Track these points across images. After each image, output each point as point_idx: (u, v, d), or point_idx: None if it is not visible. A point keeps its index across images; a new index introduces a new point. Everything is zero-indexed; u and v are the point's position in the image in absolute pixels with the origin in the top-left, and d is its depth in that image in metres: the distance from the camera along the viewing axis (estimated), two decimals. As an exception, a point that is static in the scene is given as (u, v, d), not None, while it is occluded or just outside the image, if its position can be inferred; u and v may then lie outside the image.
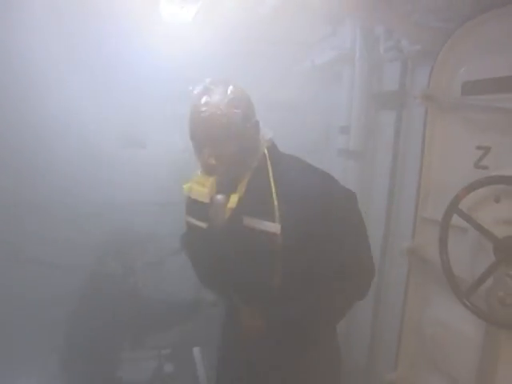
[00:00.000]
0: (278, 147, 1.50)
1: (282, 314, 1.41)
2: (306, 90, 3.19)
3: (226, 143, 1.32)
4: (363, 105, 2.70)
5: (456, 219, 1.61)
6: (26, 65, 2.34)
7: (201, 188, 1.35)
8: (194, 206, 1.39)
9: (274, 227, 1.33)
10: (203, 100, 1.31)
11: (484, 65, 1.69)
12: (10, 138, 2.42)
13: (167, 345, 3.49)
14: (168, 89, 3.08)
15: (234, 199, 1.40)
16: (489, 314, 1.50)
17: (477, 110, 1.71)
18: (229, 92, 1.32)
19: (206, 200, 1.35)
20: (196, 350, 3.53)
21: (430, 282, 1.97)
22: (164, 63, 2.95)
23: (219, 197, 1.39)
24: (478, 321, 1.61)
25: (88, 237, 2.80)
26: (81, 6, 2.23)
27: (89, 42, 2.51)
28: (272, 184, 1.38)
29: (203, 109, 1.30)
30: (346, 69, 2.81)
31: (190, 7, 2.65)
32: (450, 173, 1.87)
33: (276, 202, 1.35)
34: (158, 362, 3.38)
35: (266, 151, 1.44)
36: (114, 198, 2.98)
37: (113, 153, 3.09)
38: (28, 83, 2.37)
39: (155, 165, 3.19)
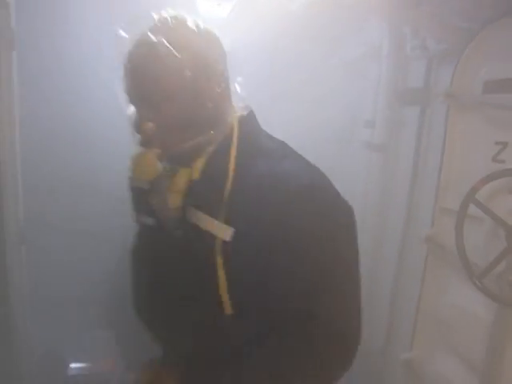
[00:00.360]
0: (257, 122, 1.11)
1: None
2: (333, 84, 3.32)
3: (167, 103, 0.97)
4: (388, 100, 2.81)
5: (472, 209, 1.74)
6: (77, 69, 2.56)
7: (138, 168, 1.00)
8: (135, 197, 1.03)
9: (222, 230, 0.95)
10: (142, 39, 0.98)
11: (505, 65, 1.80)
12: (60, 131, 2.64)
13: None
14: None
15: (180, 180, 1.02)
16: (500, 296, 1.64)
17: (496, 108, 1.83)
18: (181, 30, 0.98)
19: (145, 185, 0.99)
20: None
21: (446, 267, 2.10)
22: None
23: (162, 178, 1.01)
24: (489, 303, 1.75)
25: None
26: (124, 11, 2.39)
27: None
28: (230, 171, 0.99)
29: (137, 51, 0.98)
30: (372, 65, 2.94)
31: (225, 4, 2.82)
32: (469, 166, 1.99)
33: (227, 198, 0.96)
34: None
35: (235, 125, 1.05)
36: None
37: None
38: (79, 84, 2.59)
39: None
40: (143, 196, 1.00)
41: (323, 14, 2.63)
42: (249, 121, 1.09)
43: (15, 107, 2.01)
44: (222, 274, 0.95)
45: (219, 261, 0.94)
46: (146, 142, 1.00)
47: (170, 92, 0.96)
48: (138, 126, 0.99)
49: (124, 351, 3.09)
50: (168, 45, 0.94)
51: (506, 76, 1.78)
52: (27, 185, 2.15)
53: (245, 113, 1.09)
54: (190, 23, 1.01)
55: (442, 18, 2.09)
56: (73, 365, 2.86)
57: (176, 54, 0.95)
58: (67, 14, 2.36)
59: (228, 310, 0.97)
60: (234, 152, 1.01)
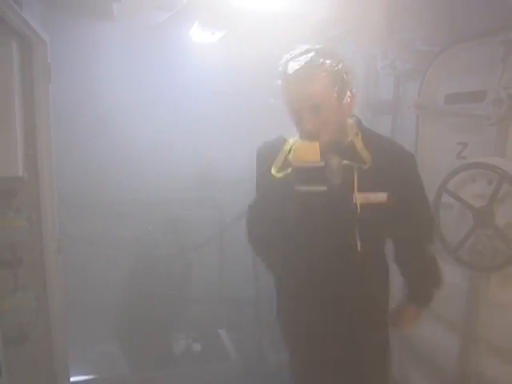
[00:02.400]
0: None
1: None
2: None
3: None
4: (363, 111, 3.24)
5: (444, 198, 2.16)
6: (106, 98, 2.90)
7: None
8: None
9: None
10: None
11: (460, 81, 2.26)
12: (93, 153, 2.97)
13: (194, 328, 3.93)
14: (192, 101, 3.61)
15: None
16: (471, 264, 2.05)
17: (456, 116, 2.28)
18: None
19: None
20: (222, 332, 4.00)
21: (425, 248, 2.52)
22: (191, 78, 3.47)
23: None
24: (462, 272, 2.17)
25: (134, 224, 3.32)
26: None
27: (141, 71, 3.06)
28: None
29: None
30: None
31: (218, 33, 3.17)
32: (438, 163, 2.42)
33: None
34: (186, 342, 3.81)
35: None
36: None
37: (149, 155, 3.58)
38: (108, 112, 2.93)
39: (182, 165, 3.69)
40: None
41: (299, 35, 3.02)
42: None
43: (52, 133, 2.27)
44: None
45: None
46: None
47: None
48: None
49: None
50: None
51: (462, 90, 2.23)
52: (63, 201, 2.41)
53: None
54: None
55: (407, 43, 2.54)
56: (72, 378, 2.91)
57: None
58: (95, 51, 2.68)
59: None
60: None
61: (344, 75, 1.45)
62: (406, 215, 1.60)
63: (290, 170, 1.46)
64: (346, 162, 1.48)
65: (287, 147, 1.55)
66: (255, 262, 3.22)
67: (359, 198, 1.48)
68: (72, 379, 2.78)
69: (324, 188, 1.41)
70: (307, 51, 1.42)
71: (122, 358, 3.43)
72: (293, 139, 1.56)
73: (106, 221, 3.20)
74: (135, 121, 3.22)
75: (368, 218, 1.49)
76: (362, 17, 2.12)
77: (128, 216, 3.34)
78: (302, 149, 1.43)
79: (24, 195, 2.23)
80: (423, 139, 2.52)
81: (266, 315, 3.22)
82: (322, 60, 1.39)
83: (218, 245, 3.83)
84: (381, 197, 1.50)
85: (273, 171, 1.53)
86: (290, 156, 1.48)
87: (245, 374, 3.37)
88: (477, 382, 2.20)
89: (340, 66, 1.43)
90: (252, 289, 3.61)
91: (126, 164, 3.23)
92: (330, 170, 1.44)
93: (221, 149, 3.57)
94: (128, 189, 3.30)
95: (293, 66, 1.40)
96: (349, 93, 1.49)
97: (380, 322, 1.73)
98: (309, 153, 1.41)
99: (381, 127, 3.13)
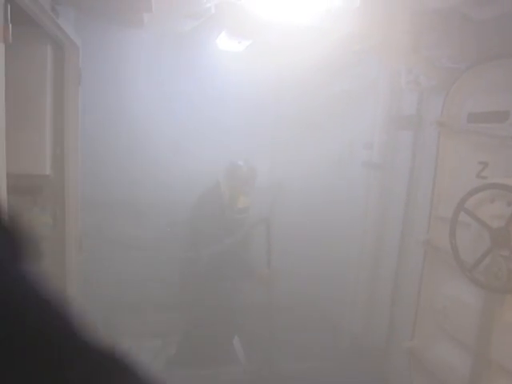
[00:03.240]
0: None
1: None
2: (335, 110, 3.76)
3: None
4: (385, 125, 3.25)
5: (462, 216, 2.15)
6: (133, 100, 3.02)
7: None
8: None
9: None
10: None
11: (484, 101, 2.25)
12: (116, 156, 3.09)
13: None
14: (216, 108, 3.67)
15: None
16: (486, 284, 2.04)
17: (478, 135, 2.27)
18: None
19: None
20: (236, 340, 4.03)
21: (440, 265, 2.51)
22: (216, 85, 3.54)
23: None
24: (477, 292, 2.16)
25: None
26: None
27: (168, 77, 3.16)
28: None
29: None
30: (370, 94, 3.38)
31: (244, 42, 3.23)
32: (457, 181, 2.41)
33: None
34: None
35: None
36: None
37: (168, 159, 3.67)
38: (134, 115, 3.04)
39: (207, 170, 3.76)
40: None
41: (323, 49, 3.04)
42: None
43: (79, 133, 2.36)
44: None
45: None
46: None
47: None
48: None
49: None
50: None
51: (485, 110, 2.23)
52: (86, 203, 2.49)
53: None
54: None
55: (434, 60, 2.54)
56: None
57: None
58: (124, 56, 2.77)
59: None
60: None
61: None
62: None
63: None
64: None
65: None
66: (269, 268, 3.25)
67: None
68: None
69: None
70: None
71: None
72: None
73: (126, 220, 3.28)
74: (158, 125, 3.31)
75: None
76: (387, 33, 2.13)
77: (147, 216, 3.41)
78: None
79: (49, 193, 2.31)
80: (443, 156, 2.51)
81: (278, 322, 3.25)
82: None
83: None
84: None
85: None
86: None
87: (254, 379, 3.40)
88: (487, 405, 2.18)
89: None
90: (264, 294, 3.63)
91: (148, 165, 3.31)
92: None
93: (241, 154, 3.61)
94: (149, 190, 3.37)
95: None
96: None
97: None
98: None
99: (402, 142, 3.15)
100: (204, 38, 3.20)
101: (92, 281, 2.74)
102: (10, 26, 1.42)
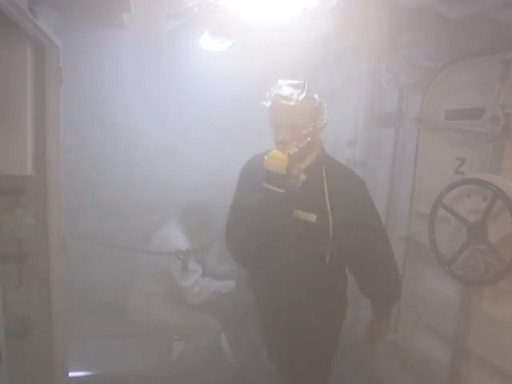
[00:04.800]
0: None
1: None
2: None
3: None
4: (367, 123, 3.30)
5: (440, 212, 2.20)
6: (115, 100, 3.01)
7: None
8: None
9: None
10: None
11: (460, 98, 2.30)
12: (100, 155, 3.08)
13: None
14: (200, 107, 3.69)
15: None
16: (464, 278, 2.09)
17: (455, 131, 2.32)
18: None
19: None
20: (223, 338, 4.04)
21: (421, 260, 2.56)
22: (199, 84, 3.55)
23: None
24: (456, 285, 2.21)
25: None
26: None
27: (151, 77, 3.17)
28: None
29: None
30: (352, 92, 3.42)
31: (227, 42, 3.25)
32: (436, 177, 2.46)
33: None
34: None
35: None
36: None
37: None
38: (115, 116, 3.04)
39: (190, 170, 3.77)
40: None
41: (303, 47, 3.07)
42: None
43: (61, 134, 2.36)
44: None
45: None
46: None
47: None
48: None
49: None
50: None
51: (462, 107, 2.28)
52: (69, 201, 2.49)
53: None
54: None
55: (411, 58, 2.59)
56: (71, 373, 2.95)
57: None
58: (106, 56, 2.77)
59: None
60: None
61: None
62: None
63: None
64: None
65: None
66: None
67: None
68: (71, 374, 2.84)
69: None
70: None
71: (122, 355, 3.51)
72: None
73: (110, 221, 3.29)
74: (143, 125, 3.32)
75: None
76: (364, 32, 2.17)
77: (133, 217, 3.42)
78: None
79: (32, 193, 2.31)
80: (423, 153, 2.56)
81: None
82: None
83: (218, 249, 3.88)
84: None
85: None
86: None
87: (241, 376, 3.42)
88: (467, 395, 2.23)
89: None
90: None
91: (131, 166, 3.32)
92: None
93: (226, 154, 3.63)
94: (133, 190, 3.38)
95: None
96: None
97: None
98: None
99: (384, 139, 3.20)
100: (187, 37, 3.20)
101: (76, 281, 2.73)
102: (-13, 27, 1.42)
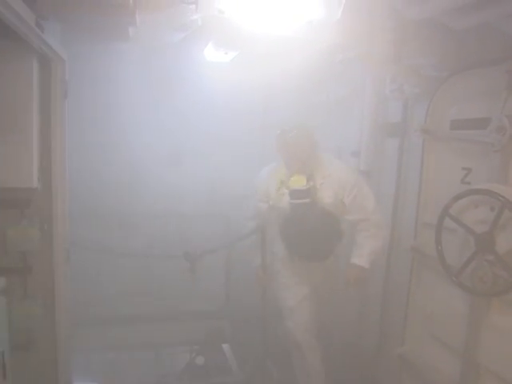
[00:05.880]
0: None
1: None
2: (322, 119, 3.80)
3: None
4: (371, 133, 3.28)
5: (447, 222, 2.18)
6: (121, 112, 3.04)
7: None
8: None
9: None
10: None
11: (466, 108, 2.30)
12: (104, 169, 3.10)
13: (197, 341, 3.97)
14: (205, 118, 3.70)
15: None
16: (472, 289, 2.06)
17: (461, 141, 2.31)
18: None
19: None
20: (225, 346, 4.02)
21: (428, 271, 2.54)
22: (204, 95, 3.57)
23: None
24: (464, 297, 2.18)
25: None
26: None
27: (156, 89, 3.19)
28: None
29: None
30: (356, 103, 3.42)
31: (231, 53, 3.27)
32: (442, 187, 2.45)
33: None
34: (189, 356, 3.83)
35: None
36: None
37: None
38: (120, 129, 3.07)
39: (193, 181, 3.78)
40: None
41: (308, 59, 3.08)
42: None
43: (66, 146, 2.36)
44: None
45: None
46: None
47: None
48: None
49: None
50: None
51: (467, 117, 2.27)
52: (73, 214, 2.49)
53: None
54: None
55: (416, 68, 2.59)
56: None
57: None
58: (112, 69, 2.79)
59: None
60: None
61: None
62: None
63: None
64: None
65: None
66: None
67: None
68: (75, 387, 2.82)
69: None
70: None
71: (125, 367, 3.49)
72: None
73: (115, 232, 3.29)
74: (148, 136, 3.33)
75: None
76: (369, 44, 2.17)
77: (136, 228, 3.42)
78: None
79: (37, 205, 2.31)
80: (428, 163, 2.55)
81: (271, 331, 3.25)
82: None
83: (224, 259, 3.87)
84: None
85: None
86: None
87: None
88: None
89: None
90: (257, 304, 3.63)
91: (136, 177, 3.33)
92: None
93: (231, 165, 3.64)
94: (137, 201, 3.39)
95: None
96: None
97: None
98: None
99: (389, 149, 3.19)
100: (191, 49, 3.23)
101: (81, 292, 2.73)
102: (-5, 41, 1.43)
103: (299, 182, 2.59)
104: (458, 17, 1.98)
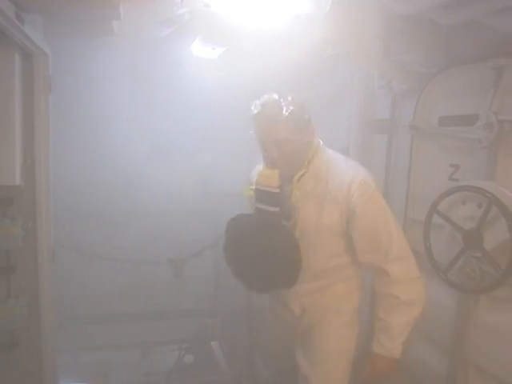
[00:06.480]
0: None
1: None
2: (311, 114, 3.77)
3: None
4: (360, 129, 3.28)
5: (435, 218, 2.18)
6: (105, 108, 2.98)
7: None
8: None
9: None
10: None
11: (454, 104, 2.30)
12: (88, 167, 3.04)
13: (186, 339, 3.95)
14: (192, 114, 3.66)
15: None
16: (460, 285, 2.07)
17: (449, 138, 2.31)
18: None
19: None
20: (214, 344, 4.01)
21: (416, 268, 2.53)
22: (191, 91, 3.53)
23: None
24: (452, 293, 2.19)
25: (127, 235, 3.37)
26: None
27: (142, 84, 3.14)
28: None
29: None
30: (345, 99, 3.41)
31: (218, 49, 3.23)
32: (430, 184, 2.45)
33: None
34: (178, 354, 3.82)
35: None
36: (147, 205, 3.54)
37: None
38: (105, 125, 3.01)
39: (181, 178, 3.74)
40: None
41: (296, 55, 3.06)
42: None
43: (50, 143, 2.31)
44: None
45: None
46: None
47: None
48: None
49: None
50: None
51: (456, 113, 2.27)
52: (57, 213, 2.44)
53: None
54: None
55: (404, 64, 2.58)
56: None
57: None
58: (95, 64, 2.74)
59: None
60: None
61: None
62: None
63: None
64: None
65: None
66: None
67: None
68: (61, 387, 2.78)
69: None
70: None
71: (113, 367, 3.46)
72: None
73: (100, 231, 3.24)
74: (133, 132, 3.28)
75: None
76: (358, 39, 2.16)
77: (122, 227, 3.38)
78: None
79: (20, 203, 2.27)
80: (417, 159, 2.55)
81: (258, 328, 3.24)
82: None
83: (212, 256, 3.85)
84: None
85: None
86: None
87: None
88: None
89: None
90: (244, 301, 3.62)
91: (122, 175, 3.28)
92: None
93: (218, 162, 3.61)
94: (123, 200, 3.34)
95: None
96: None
97: None
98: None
99: (377, 146, 3.18)
100: (178, 44, 3.18)
101: (66, 292, 2.68)
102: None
103: (269, 179, 1.74)
104: (445, 13, 1.96)
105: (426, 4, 1.88)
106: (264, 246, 1.78)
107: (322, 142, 1.92)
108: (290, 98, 1.75)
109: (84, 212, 3.19)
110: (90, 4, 1.72)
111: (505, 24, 1.83)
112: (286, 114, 1.69)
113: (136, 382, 3.42)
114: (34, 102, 2.24)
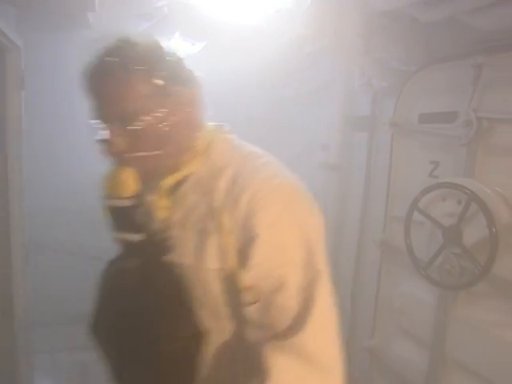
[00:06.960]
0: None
1: None
2: (292, 111, 3.76)
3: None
4: (341, 126, 3.28)
5: (415, 215, 2.19)
6: (80, 103, 2.88)
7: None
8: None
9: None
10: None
11: (434, 102, 2.30)
12: (62, 163, 2.96)
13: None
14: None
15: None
16: (440, 282, 2.08)
17: (429, 135, 2.32)
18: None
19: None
20: None
21: (397, 265, 2.55)
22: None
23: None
24: (432, 289, 2.20)
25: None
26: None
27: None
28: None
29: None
30: (325, 96, 3.41)
31: (198, 44, 3.18)
32: (411, 181, 2.45)
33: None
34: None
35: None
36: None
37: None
38: (79, 120, 2.92)
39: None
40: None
41: (276, 50, 3.03)
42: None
43: (23, 139, 2.24)
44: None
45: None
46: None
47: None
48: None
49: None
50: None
51: (435, 110, 2.28)
52: (31, 212, 2.37)
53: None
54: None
55: (384, 62, 2.58)
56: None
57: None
58: (70, 58, 2.64)
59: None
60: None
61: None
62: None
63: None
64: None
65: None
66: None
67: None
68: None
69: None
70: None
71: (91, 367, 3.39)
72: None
73: (75, 229, 3.16)
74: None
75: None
76: (338, 35, 2.15)
77: (98, 224, 3.29)
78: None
79: (-8, 201, 2.19)
80: (397, 157, 2.55)
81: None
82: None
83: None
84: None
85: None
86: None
87: None
88: (444, 400, 2.22)
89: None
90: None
91: (97, 171, 3.20)
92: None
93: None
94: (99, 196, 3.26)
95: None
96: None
97: None
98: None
99: (358, 143, 3.19)
100: (157, 39, 3.12)
101: (40, 292, 2.61)
102: None
103: (119, 185, 1.01)
104: (426, 9, 1.97)
105: (406, 0, 1.88)
106: (147, 318, 1.00)
107: (226, 129, 1.19)
108: (152, 44, 1.05)
109: (61, 210, 3.09)
110: (63, -6, 1.66)
111: (484, 22, 1.84)
112: (140, 67, 0.96)
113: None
114: (6, 97, 2.17)
